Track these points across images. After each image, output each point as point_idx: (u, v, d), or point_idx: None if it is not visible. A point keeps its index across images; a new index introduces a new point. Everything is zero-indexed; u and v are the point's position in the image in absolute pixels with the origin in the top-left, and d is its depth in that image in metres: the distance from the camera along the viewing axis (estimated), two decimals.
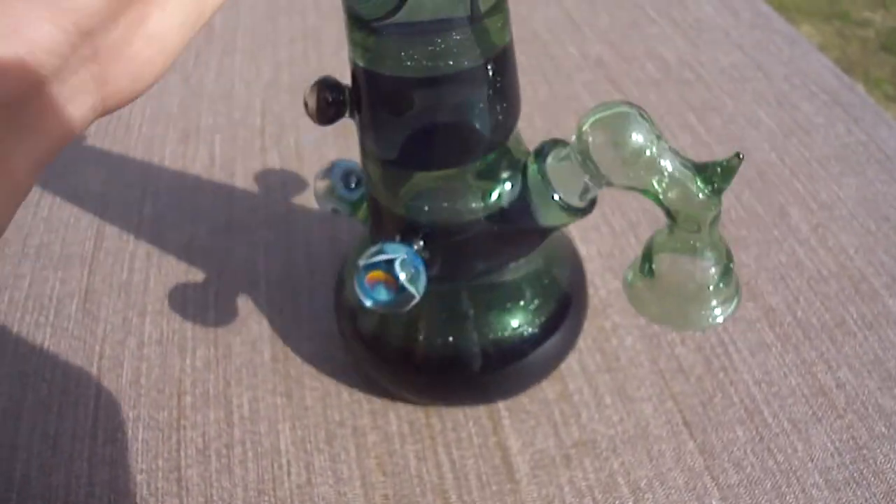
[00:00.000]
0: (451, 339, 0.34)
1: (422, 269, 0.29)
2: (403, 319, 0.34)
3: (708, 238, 0.26)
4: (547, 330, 0.35)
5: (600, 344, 0.40)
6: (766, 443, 0.36)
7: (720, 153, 0.50)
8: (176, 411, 0.39)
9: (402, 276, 0.28)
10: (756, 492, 0.34)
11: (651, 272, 0.27)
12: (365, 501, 0.35)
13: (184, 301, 0.44)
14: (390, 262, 0.28)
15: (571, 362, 0.39)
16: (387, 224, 0.32)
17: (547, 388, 0.38)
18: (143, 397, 0.40)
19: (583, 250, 0.45)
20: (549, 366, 0.36)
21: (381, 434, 0.37)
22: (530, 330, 0.34)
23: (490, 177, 0.29)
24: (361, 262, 0.29)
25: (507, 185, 0.29)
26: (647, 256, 0.27)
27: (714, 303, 0.27)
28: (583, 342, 0.40)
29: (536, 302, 0.34)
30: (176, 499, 0.36)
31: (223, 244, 0.48)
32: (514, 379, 0.36)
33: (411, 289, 0.28)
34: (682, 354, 0.39)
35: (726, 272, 0.27)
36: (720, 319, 0.27)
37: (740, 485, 0.34)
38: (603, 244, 0.45)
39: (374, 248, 0.29)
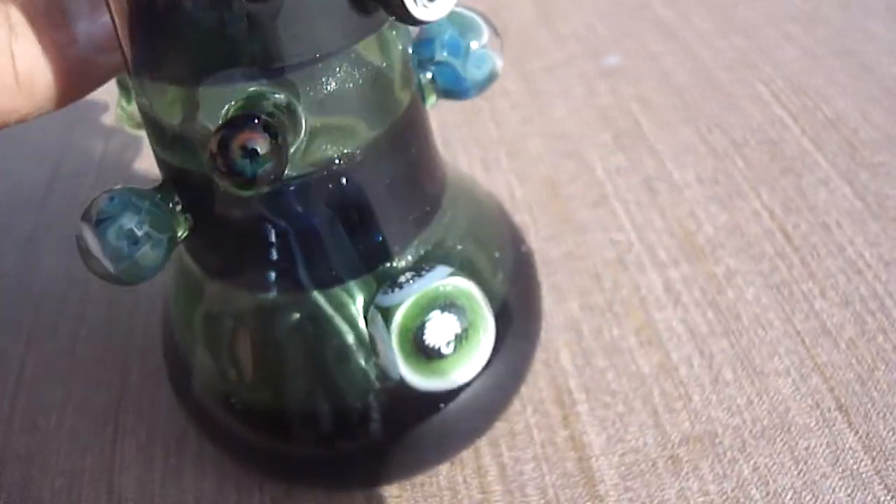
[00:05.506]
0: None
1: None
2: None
3: None
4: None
5: (711, 297, 0.29)
6: None
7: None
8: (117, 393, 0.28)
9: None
10: None
11: None
12: None
13: None
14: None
15: (672, 322, 0.28)
16: None
17: (640, 359, 0.27)
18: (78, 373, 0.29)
19: (677, 175, 0.33)
20: (480, 422, 0.25)
21: None
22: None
23: None
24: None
25: None
26: None
27: None
28: (688, 295, 0.29)
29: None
30: None
31: None
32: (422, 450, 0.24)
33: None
34: (823, 310, 0.28)
35: None
36: None
37: None
38: (703, 168, 0.34)
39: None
